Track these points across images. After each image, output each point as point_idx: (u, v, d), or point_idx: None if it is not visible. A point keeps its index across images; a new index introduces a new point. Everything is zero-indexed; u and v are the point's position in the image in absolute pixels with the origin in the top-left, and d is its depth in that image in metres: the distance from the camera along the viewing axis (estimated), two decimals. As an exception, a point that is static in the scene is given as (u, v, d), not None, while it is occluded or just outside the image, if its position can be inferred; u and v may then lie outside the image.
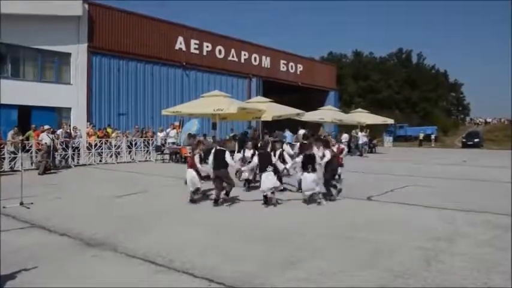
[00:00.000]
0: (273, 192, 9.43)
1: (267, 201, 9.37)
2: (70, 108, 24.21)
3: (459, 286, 4.65)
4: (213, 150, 9.89)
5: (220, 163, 9.52)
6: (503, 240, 6.50)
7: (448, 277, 4.90)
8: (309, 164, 9.47)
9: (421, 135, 49.51)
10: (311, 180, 9.33)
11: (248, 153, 11.59)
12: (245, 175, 11.38)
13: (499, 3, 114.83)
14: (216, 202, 9.39)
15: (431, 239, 6.49)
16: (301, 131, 21.83)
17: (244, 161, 11.44)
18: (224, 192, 9.65)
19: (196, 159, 9.97)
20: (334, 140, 15.52)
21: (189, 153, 10.38)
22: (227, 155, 9.63)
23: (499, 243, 6.34)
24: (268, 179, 9.35)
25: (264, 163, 9.62)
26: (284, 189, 10.83)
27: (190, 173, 9.76)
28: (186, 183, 10.32)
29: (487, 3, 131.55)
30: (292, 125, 26.42)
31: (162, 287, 4.71)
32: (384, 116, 35.60)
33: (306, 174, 9.49)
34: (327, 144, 10.37)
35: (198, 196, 9.93)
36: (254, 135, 21.93)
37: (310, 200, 9.56)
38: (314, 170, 9.53)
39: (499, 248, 6.04)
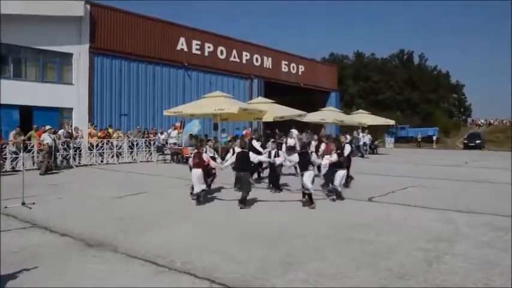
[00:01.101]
0: (311, 193, 9.42)
1: (310, 201, 9.38)
2: (72, 109, 24.22)
3: (460, 287, 4.66)
4: (233, 153, 10.13)
5: (243, 165, 9.56)
6: (503, 241, 6.50)
7: (448, 278, 4.90)
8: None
9: (419, 137, 49.86)
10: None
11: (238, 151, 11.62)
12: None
13: (499, 3, 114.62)
14: (244, 203, 9.26)
15: (432, 240, 6.49)
16: (293, 131, 22.02)
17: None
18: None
19: (205, 156, 10.04)
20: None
21: (192, 152, 10.23)
22: (251, 155, 9.75)
23: (500, 244, 6.33)
24: (309, 178, 9.39)
25: (305, 162, 9.63)
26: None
27: (197, 173, 9.66)
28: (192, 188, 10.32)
29: (487, 3, 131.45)
30: (294, 126, 26.39)
31: (163, 287, 4.72)
32: (385, 117, 35.58)
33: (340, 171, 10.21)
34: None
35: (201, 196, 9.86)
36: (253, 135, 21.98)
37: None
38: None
39: (499, 249, 6.04)
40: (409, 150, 39.19)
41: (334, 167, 10.25)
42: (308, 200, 9.42)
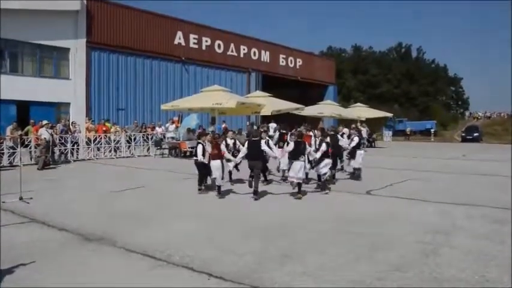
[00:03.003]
0: (299, 183, 9.59)
1: (298, 191, 9.54)
2: (69, 104, 24.18)
3: (457, 279, 4.67)
4: (226, 145, 10.43)
5: (256, 154, 9.65)
6: (501, 233, 6.53)
7: (445, 270, 4.92)
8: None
9: (408, 130, 50.58)
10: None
11: (230, 141, 11.59)
12: (229, 166, 11.39)
13: (499, 3, 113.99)
14: (256, 193, 9.43)
15: (430, 233, 6.51)
16: (272, 125, 22.16)
17: (227, 150, 11.40)
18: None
19: (223, 147, 10.17)
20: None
21: (211, 144, 10.14)
22: (263, 144, 9.84)
23: (497, 236, 6.36)
24: (296, 167, 9.50)
25: (297, 152, 9.70)
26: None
27: (217, 164, 9.73)
28: (200, 181, 10.27)
29: (486, 2, 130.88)
30: (291, 119, 26.37)
31: (161, 281, 4.72)
32: (383, 111, 35.55)
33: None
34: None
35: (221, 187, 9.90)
36: (251, 129, 21.91)
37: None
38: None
39: (496, 241, 6.07)
40: (406, 144, 39.24)
41: (321, 156, 10.33)
42: (296, 190, 9.57)
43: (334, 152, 11.69)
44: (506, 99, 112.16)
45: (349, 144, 12.83)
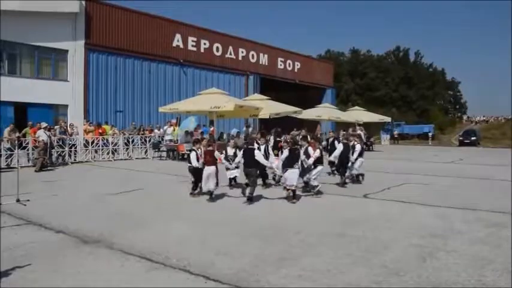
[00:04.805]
0: (294, 190, 9.58)
1: (293, 196, 9.52)
2: (67, 105, 24.14)
3: (453, 282, 4.68)
4: (226, 154, 10.53)
5: (250, 161, 9.63)
6: (497, 237, 6.54)
7: (442, 274, 4.93)
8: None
9: (396, 133, 50.50)
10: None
11: (230, 151, 11.61)
12: (231, 173, 11.36)
13: (499, 3, 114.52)
14: (251, 200, 9.39)
15: (427, 236, 6.52)
16: (249, 129, 22.25)
17: (226, 159, 11.38)
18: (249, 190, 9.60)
19: (217, 154, 10.08)
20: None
21: (203, 149, 10.05)
22: (257, 153, 9.77)
23: (494, 240, 6.37)
24: (292, 176, 9.51)
25: (292, 160, 9.70)
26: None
27: (210, 170, 9.63)
28: (195, 186, 10.21)
29: (486, 3, 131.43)
30: (290, 123, 26.44)
31: (158, 284, 4.72)
32: (380, 114, 35.63)
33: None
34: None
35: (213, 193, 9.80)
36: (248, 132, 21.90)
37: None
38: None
39: (493, 245, 6.08)
40: (404, 147, 39.26)
41: (315, 162, 10.28)
42: (292, 195, 9.53)
43: (343, 160, 11.98)
44: (504, 103, 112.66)
45: (352, 154, 12.38)
